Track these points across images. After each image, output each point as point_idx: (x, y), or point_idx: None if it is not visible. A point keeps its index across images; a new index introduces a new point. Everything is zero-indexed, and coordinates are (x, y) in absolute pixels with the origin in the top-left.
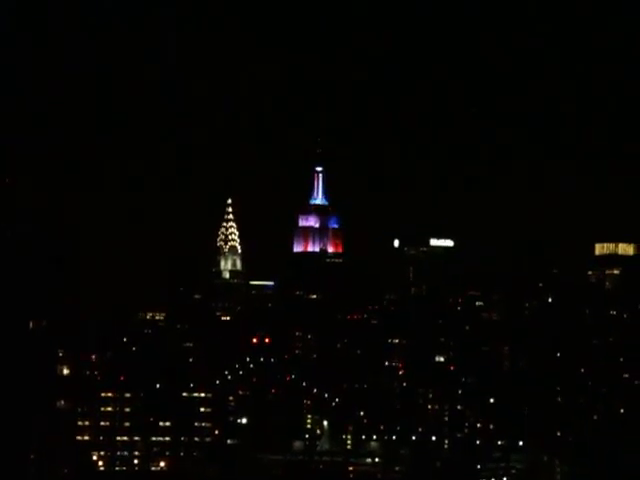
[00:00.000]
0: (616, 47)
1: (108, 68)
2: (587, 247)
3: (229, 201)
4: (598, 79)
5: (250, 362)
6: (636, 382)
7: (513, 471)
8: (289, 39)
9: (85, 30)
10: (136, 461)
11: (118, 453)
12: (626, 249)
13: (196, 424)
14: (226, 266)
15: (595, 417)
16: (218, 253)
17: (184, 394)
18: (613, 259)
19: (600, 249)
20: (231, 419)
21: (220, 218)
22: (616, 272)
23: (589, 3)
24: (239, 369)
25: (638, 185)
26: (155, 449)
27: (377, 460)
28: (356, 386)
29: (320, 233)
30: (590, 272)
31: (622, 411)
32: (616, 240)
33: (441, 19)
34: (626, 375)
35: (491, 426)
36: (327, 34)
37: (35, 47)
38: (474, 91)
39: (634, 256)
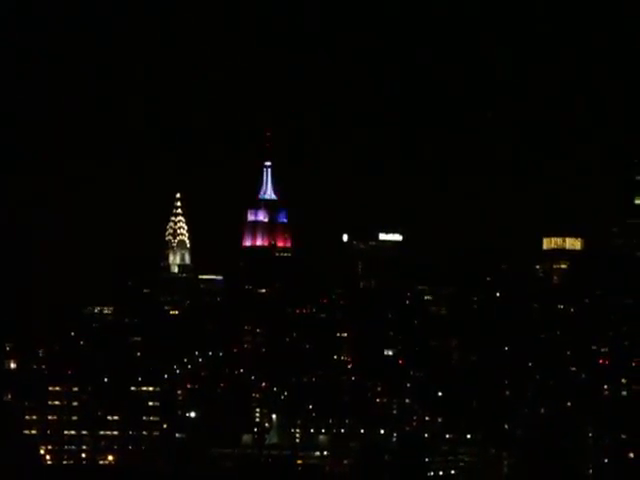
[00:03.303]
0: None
1: (60, 63)
2: (535, 241)
3: (178, 195)
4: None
5: (199, 356)
6: (583, 376)
7: (461, 464)
8: (240, 32)
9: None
10: (84, 455)
11: (66, 447)
12: (574, 243)
13: (144, 418)
14: (175, 260)
15: (542, 410)
16: (167, 247)
17: (132, 388)
18: (561, 253)
19: (548, 243)
20: (180, 413)
21: (169, 212)
22: (564, 266)
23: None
24: (187, 363)
25: (586, 179)
26: (103, 443)
27: (326, 453)
28: (305, 380)
29: (269, 228)
30: (538, 266)
31: (569, 404)
32: (564, 234)
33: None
34: (573, 369)
35: (439, 420)
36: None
37: None
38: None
39: (582, 250)
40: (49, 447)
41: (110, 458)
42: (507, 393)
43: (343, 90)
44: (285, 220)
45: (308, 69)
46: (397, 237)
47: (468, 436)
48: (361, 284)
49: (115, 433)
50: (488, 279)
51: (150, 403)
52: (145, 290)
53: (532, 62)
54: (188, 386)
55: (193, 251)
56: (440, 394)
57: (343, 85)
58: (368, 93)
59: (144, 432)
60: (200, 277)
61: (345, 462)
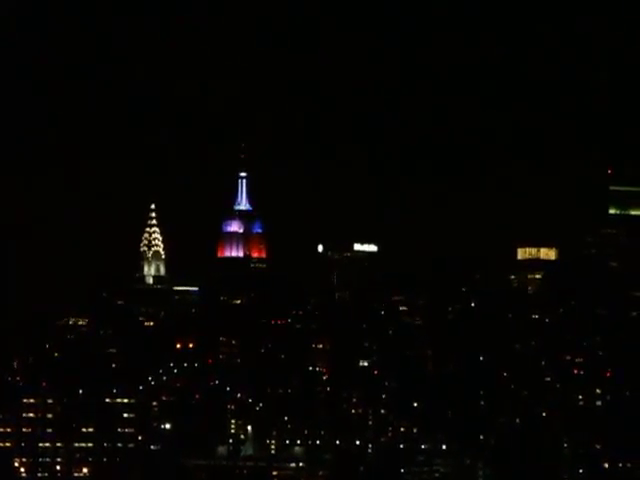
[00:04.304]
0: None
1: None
2: (509, 251)
3: (153, 206)
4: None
5: (174, 367)
6: (558, 386)
7: (436, 475)
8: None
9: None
10: (59, 467)
11: (40, 459)
12: (548, 253)
13: (119, 430)
14: (149, 271)
15: (517, 420)
16: (141, 258)
17: (107, 400)
18: (535, 263)
19: (522, 253)
20: (155, 424)
21: (143, 223)
22: (538, 276)
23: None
24: (162, 374)
25: (559, 189)
26: (78, 455)
27: (301, 465)
28: (280, 391)
29: (244, 238)
30: (512, 276)
31: (544, 414)
32: (538, 245)
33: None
34: (548, 379)
35: (415, 430)
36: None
37: None
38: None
39: (556, 260)
40: (23, 459)
41: (85, 470)
42: (482, 403)
43: (319, 100)
44: (260, 231)
45: (286, 77)
46: (372, 248)
47: (444, 447)
48: (336, 295)
49: (90, 445)
50: (463, 289)
51: (125, 415)
52: (120, 301)
53: (509, 69)
54: (163, 398)
55: (168, 262)
56: (415, 404)
57: (319, 95)
58: (344, 103)
59: (119, 444)
60: (175, 288)
61: (321, 473)
